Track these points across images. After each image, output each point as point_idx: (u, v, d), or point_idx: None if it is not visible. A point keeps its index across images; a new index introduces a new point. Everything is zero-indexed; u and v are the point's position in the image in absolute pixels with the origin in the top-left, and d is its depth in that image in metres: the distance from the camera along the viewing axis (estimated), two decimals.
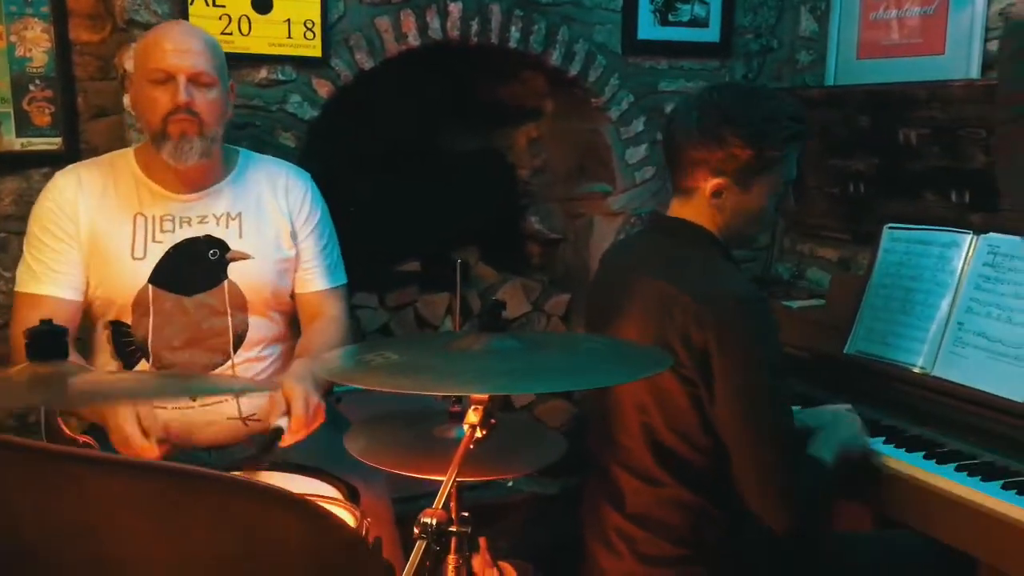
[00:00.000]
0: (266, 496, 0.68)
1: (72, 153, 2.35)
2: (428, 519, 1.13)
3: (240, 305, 1.91)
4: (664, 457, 1.62)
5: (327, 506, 1.41)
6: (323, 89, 2.40)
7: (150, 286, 1.85)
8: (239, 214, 1.93)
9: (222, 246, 1.89)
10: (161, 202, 1.89)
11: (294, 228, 2.00)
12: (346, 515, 1.41)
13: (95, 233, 1.86)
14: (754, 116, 1.62)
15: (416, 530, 1.14)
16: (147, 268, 1.86)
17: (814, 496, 1.62)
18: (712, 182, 1.63)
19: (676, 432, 1.60)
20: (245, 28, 2.27)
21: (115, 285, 1.86)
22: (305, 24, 2.33)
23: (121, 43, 2.27)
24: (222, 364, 1.91)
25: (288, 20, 2.31)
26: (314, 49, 2.35)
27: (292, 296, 2.03)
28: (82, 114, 2.40)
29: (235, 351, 1.91)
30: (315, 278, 2.04)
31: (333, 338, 1.97)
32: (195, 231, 1.89)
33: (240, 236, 1.92)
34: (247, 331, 1.92)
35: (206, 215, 1.91)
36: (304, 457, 1.89)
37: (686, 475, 1.61)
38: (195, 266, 1.88)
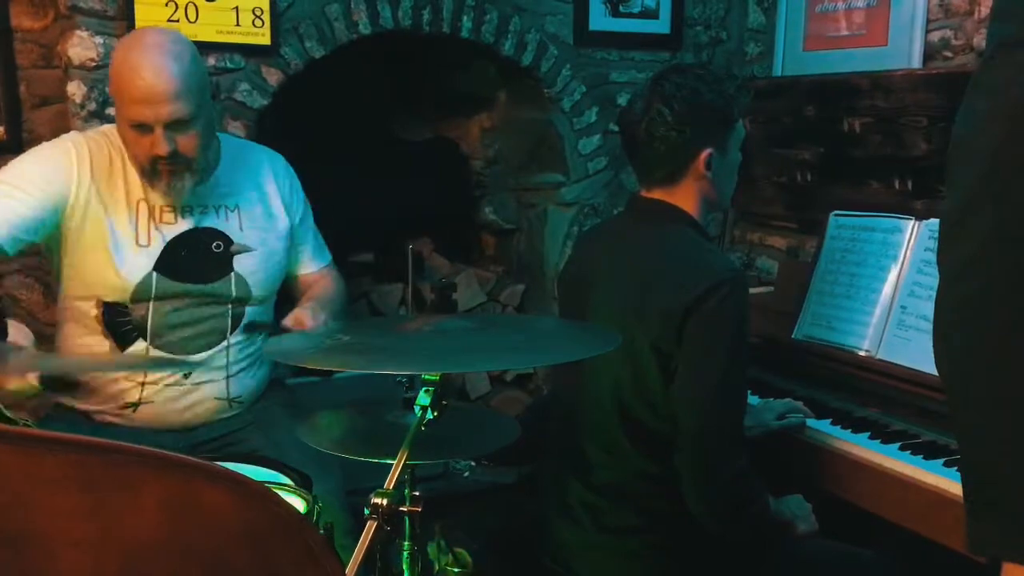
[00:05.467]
0: (188, 469, 0.67)
1: (15, 143, 2.30)
2: (379, 500, 1.13)
3: (244, 296, 1.92)
4: (633, 429, 1.64)
5: (278, 492, 1.40)
6: (273, 78, 2.38)
7: (155, 274, 1.84)
8: (236, 207, 1.94)
9: (225, 239, 1.90)
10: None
11: (290, 212, 2.03)
12: (297, 501, 1.40)
13: (96, 210, 1.81)
14: (713, 80, 1.71)
15: (367, 511, 1.14)
16: (152, 256, 1.84)
17: (744, 499, 1.62)
18: (703, 155, 1.67)
19: (646, 403, 1.63)
20: (192, 15, 2.24)
21: (119, 271, 1.82)
22: (254, 12, 2.30)
23: (64, 31, 2.23)
24: (218, 344, 1.91)
25: (236, 8, 2.29)
26: (263, 37, 2.33)
27: (292, 278, 2.08)
28: (25, 103, 2.35)
29: (231, 333, 1.93)
30: (314, 259, 2.11)
31: (338, 293, 2.10)
32: (196, 220, 1.88)
33: (241, 229, 1.93)
34: (244, 316, 1.94)
35: (206, 205, 1.90)
36: (259, 448, 1.89)
37: (652, 446, 1.63)
38: (200, 257, 1.88)
